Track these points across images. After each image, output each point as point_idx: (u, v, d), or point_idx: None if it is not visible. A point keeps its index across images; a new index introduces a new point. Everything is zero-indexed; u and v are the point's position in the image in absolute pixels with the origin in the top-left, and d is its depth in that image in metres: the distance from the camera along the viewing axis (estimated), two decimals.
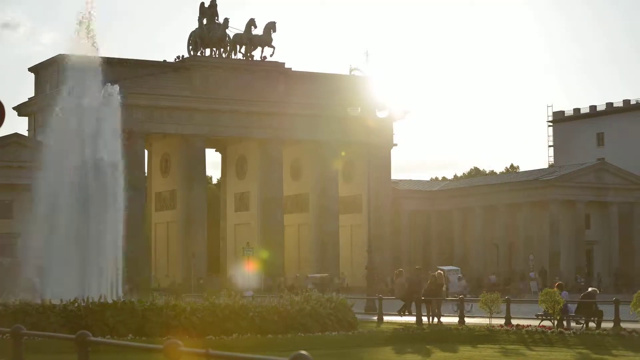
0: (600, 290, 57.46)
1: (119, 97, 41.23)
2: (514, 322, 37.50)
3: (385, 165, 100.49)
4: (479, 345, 31.51)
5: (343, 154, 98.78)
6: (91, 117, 40.33)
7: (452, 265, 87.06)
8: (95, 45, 41.10)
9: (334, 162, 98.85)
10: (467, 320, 40.94)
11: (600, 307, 38.81)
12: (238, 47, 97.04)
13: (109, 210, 39.81)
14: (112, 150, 40.64)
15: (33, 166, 45.68)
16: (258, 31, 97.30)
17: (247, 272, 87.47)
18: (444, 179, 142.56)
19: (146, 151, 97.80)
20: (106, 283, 37.44)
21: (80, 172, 39.76)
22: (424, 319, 42.01)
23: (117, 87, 41.51)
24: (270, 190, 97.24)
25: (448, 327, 35.85)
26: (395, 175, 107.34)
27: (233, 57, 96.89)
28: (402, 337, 33.49)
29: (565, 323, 37.13)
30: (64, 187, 39.97)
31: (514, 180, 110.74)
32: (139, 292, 42.62)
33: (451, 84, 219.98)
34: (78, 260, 38.74)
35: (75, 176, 39.73)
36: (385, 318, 44.07)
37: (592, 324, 37.22)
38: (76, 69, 41.42)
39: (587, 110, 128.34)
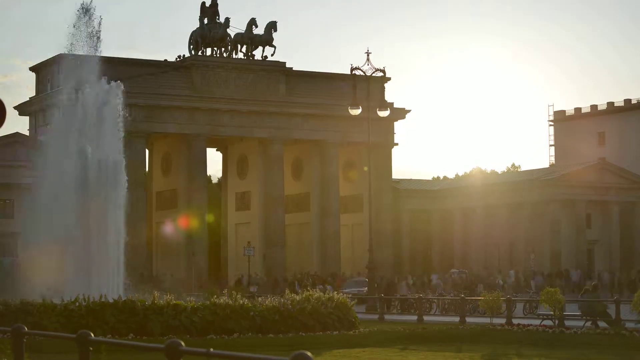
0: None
1: (121, 94, 41.02)
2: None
3: (386, 164, 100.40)
4: (479, 345, 31.50)
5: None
6: (93, 114, 40.26)
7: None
8: (98, 44, 40.99)
9: (335, 161, 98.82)
10: (468, 320, 41.01)
11: None
12: (239, 46, 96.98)
13: (111, 209, 39.74)
14: (113, 148, 40.58)
15: (35, 165, 45.66)
16: (259, 31, 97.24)
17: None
18: (445, 178, 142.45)
19: (147, 151, 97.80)
20: (108, 282, 37.36)
21: (82, 171, 39.71)
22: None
23: (120, 84, 41.31)
24: (272, 189, 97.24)
25: (449, 327, 35.86)
26: (396, 174, 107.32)
27: (234, 56, 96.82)
28: (403, 337, 33.47)
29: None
30: (65, 185, 39.93)
31: (514, 179, 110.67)
32: (139, 291, 42.56)
33: (452, 83, 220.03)
34: (80, 259, 38.71)
35: (76, 174, 39.67)
36: (386, 317, 44.14)
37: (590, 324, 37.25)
38: (78, 67, 41.38)
39: (588, 110, 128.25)
